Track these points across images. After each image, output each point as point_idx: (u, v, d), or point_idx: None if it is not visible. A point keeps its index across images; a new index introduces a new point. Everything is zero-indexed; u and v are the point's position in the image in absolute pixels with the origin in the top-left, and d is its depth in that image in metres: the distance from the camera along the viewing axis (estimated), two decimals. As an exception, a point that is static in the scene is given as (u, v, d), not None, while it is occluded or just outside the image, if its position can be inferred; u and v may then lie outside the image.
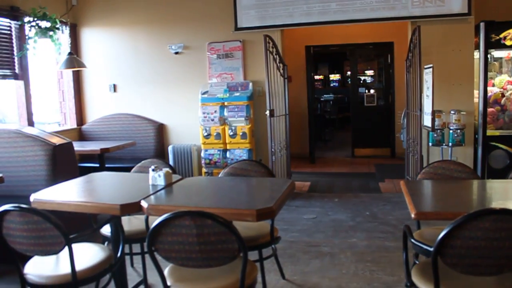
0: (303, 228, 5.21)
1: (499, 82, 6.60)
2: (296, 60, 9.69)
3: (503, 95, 6.51)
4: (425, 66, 5.59)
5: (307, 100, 9.72)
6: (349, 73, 12.18)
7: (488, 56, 6.17)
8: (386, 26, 9.32)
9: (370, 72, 12.98)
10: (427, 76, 5.43)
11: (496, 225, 2.14)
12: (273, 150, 6.19)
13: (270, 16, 6.82)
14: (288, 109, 6.90)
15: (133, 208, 2.71)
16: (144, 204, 2.65)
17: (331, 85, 17.51)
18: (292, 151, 9.75)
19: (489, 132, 6.29)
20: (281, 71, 6.69)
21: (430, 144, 6.02)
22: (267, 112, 6.09)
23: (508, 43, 6.13)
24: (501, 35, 6.12)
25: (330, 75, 17.56)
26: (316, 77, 17.22)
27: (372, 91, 10.45)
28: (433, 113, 5.19)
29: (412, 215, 2.41)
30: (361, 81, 13.18)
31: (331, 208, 5.93)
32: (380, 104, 10.09)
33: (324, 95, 15.54)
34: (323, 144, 11.64)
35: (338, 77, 17.33)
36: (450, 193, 2.95)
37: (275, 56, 6.40)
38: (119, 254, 2.96)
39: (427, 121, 5.50)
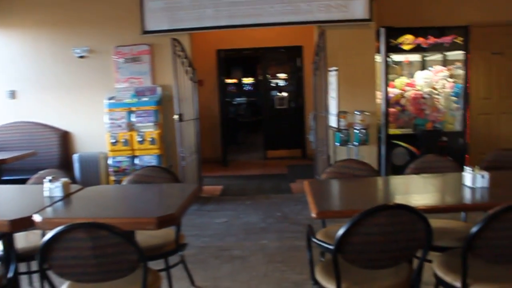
0: (214, 232, 5.15)
1: (399, 84, 6.97)
2: (208, 63, 9.66)
3: (403, 96, 6.88)
4: (330, 69, 5.77)
5: (218, 104, 9.69)
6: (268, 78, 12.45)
7: (388, 59, 6.49)
8: (295, 31, 9.55)
9: (282, 76, 13.22)
10: (332, 78, 5.61)
11: (391, 219, 2.21)
12: (183, 155, 6.08)
13: (178, 19, 6.70)
14: (199, 113, 6.83)
15: (25, 223, 2.51)
16: (37, 218, 2.47)
17: (245, 88, 17.61)
18: (204, 155, 9.70)
19: (391, 131, 6.62)
20: (190, 75, 6.60)
21: (337, 144, 6.22)
22: (176, 117, 5.97)
23: (405, 47, 6.49)
24: (399, 40, 6.47)
25: (243, 79, 17.66)
26: (230, 81, 17.25)
27: (283, 94, 10.64)
28: (339, 114, 5.37)
29: (313, 215, 2.44)
30: (275, 85, 13.40)
31: (243, 211, 5.93)
32: (291, 106, 10.31)
33: (237, 99, 15.61)
34: (236, 147, 11.67)
35: (252, 81, 17.48)
36: (351, 191, 3.04)
37: (183, 60, 6.31)
38: (10, 274, 2.72)
39: (333, 121, 5.68)
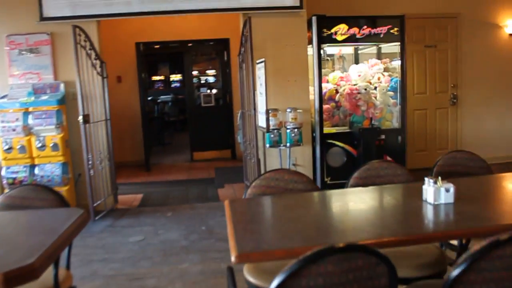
0: (127, 255, 4.33)
1: (333, 79, 6.45)
2: (126, 57, 8.73)
3: (337, 92, 6.37)
4: (257, 61, 5.11)
5: (140, 102, 8.78)
6: (194, 72, 11.47)
7: (321, 52, 5.95)
8: (222, 21, 8.85)
9: (211, 72, 12.50)
10: (260, 72, 4.95)
11: (341, 266, 1.56)
12: (90, 162, 5.21)
13: (83, 4, 5.76)
14: (110, 113, 5.94)
15: None
16: None
17: (172, 85, 16.69)
18: (125, 159, 8.81)
19: (326, 130, 6.08)
20: (98, 69, 5.70)
21: (268, 145, 5.57)
22: (80, 118, 5.08)
23: (339, 38, 5.96)
24: (333, 30, 5.93)
25: (171, 75, 16.71)
26: (157, 77, 16.28)
27: (209, 91, 9.91)
28: (268, 112, 4.72)
29: (233, 259, 1.74)
30: (204, 81, 12.62)
31: (163, 225, 5.16)
32: (219, 104, 9.59)
33: (162, 96, 14.68)
34: (161, 149, 10.80)
35: (180, 77, 16.54)
36: (285, 217, 2.36)
37: (88, 52, 5.41)
38: None
39: (261, 121, 5.02)
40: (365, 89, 6.16)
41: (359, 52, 7.09)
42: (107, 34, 8.62)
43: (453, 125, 7.66)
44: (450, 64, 7.52)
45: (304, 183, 2.86)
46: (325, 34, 5.90)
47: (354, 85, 6.31)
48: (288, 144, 5.68)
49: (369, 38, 6.07)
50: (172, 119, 13.57)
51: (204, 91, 10.04)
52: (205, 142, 9.33)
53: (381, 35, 6.06)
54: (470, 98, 7.65)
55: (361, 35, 6.00)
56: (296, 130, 5.62)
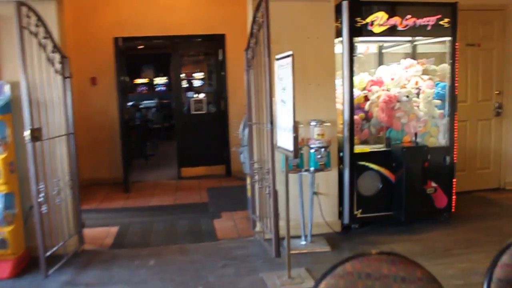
0: None
1: (360, 83, 5.09)
2: (103, 56, 7.28)
3: (367, 99, 5.01)
4: (278, 56, 3.70)
5: (118, 108, 7.30)
6: (182, 74, 9.88)
7: (355, 45, 4.58)
8: (216, 13, 7.49)
9: (199, 75, 11.04)
10: (282, 71, 3.55)
11: None
12: (43, 194, 3.73)
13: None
14: (74, 125, 4.44)
15: None
16: None
17: (158, 89, 15.23)
18: (98, 176, 7.34)
19: (357, 149, 4.70)
20: (58, 65, 4.23)
21: (284, 170, 4.15)
22: (27, 134, 3.60)
23: (376, 29, 4.60)
24: (368, 19, 4.57)
25: (156, 78, 15.24)
26: (140, 80, 14.83)
27: (200, 95, 8.47)
28: (296, 129, 3.31)
29: None
30: (193, 84, 11.17)
31: (142, 283, 3.71)
32: (211, 111, 8.16)
33: (145, 101, 13.20)
34: (144, 162, 9.30)
35: (166, 80, 15.04)
36: None
37: (42, 41, 3.94)
38: None
39: (284, 140, 3.60)
40: (407, 97, 4.80)
41: (384, 51, 5.76)
42: (78, 26, 7.19)
43: (497, 139, 6.35)
44: (495, 67, 6.21)
45: (419, 283, 1.46)
46: (358, 25, 4.53)
47: (388, 90, 4.96)
48: (312, 169, 4.28)
49: (414, 31, 4.73)
50: (156, 127, 12.08)
51: (194, 96, 8.58)
52: (195, 156, 7.88)
53: (428, 27, 4.71)
54: (517, 108, 6.35)
55: (403, 27, 4.65)
56: (323, 150, 4.22)
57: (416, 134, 4.76)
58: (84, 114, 7.21)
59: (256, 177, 4.49)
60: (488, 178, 6.36)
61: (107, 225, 5.25)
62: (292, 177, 4.27)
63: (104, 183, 7.29)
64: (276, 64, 3.74)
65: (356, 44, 4.64)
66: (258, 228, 4.71)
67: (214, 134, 7.92)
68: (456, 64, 4.84)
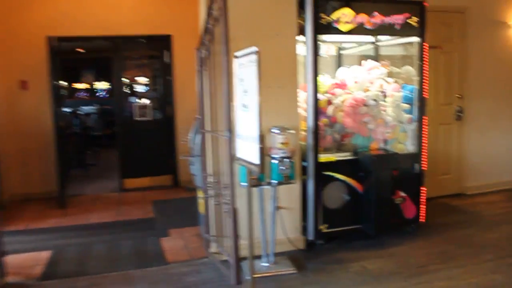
0: None
1: (322, 85, 4.68)
2: (35, 57, 6.52)
3: (329, 103, 4.60)
4: (238, 53, 3.19)
5: (52, 115, 6.50)
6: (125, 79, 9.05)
7: (319, 44, 4.16)
8: (162, 12, 6.94)
9: (144, 79, 10.33)
10: (244, 71, 3.05)
11: None
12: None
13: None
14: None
15: None
16: None
17: (98, 94, 14.35)
18: (29, 191, 6.56)
19: (322, 158, 4.27)
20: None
21: (244, 184, 3.66)
22: None
23: (342, 27, 4.19)
24: (334, 16, 4.16)
25: (96, 83, 14.35)
26: (79, 85, 13.93)
27: (146, 101, 7.83)
28: (263, 139, 2.82)
29: None
30: (137, 89, 10.46)
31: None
32: (156, 117, 7.54)
33: (85, 107, 12.34)
34: (83, 173, 8.51)
35: (107, 85, 14.17)
36: None
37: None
38: None
39: (246, 151, 3.09)
40: (375, 100, 4.43)
41: (343, 53, 5.42)
42: (5, 22, 6.41)
43: (458, 144, 6.14)
44: (456, 70, 6.01)
45: None
46: (323, 21, 4.11)
47: (353, 94, 4.59)
48: (274, 182, 3.80)
49: (382, 30, 4.36)
50: (97, 134, 11.26)
51: (138, 101, 7.93)
52: (139, 165, 7.24)
53: (397, 26, 4.37)
54: (477, 112, 6.17)
55: (371, 25, 4.27)
56: (287, 160, 3.75)
57: (385, 141, 4.39)
58: (12, 121, 6.43)
59: (211, 192, 3.96)
60: (449, 184, 6.15)
61: (37, 250, 4.55)
62: (251, 191, 3.77)
63: (37, 198, 6.52)
64: (236, 63, 3.24)
65: (320, 43, 4.22)
66: (213, 249, 4.17)
67: (160, 142, 7.30)
68: (425, 66, 4.52)
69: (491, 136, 6.32)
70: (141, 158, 7.20)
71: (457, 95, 6.03)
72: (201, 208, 4.38)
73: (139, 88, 9.48)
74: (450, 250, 4.29)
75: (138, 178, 7.25)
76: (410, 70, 4.90)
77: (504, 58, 6.31)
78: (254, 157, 2.89)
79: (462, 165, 6.19)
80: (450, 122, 6.05)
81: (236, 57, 3.24)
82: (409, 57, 4.94)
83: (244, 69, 3.04)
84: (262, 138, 2.84)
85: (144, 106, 7.49)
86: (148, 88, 9.03)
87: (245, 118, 3.08)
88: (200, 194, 4.40)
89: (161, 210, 5.97)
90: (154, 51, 7.90)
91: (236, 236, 3.26)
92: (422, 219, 4.73)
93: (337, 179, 4.32)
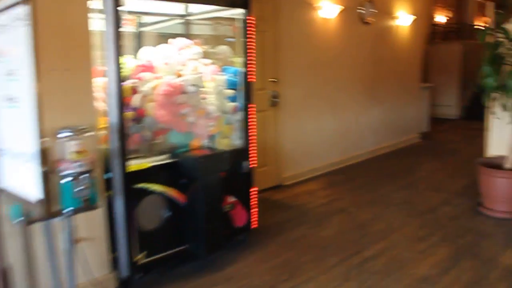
0: None
1: (124, 68, 3.57)
2: None
3: (135, 91, 3.54)
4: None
5: None
6: None
7: (121, 11, 3.02)
8: None
9: None
10: (6, 37, 1.79)
11: None
12: None
13: None
14: None
15: None
16: None
17: None
18: None
19: (132, 166, 3.19)
20: None
21: (16, 221, 2.37)
22: None
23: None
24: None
25: None
26: None
27: None
28: (46, 155, 1.62)
29: None
30: None
31: None
32: None
33: None
34: None
35: None
36: None
37: None
38: None
39: (14, 176, 1.85)
40: (195, 86, 3.51)
41: (143, 29, 4.41)
42: None
43: (274, 133, 5.67)
44: (270, 52, 5.47)
45: None
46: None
47: (162, 77, 3.61)
48: (69, 210, 2.60)
49: (199, -4, 3.44)
50: None
51: None
52: None
53: (216, -7, 3.51)
54: (292, 97, 5.79)
55: (185, -11, 3.32)
56: (86, 177, 2.58)
57: (208, 136, 3.52)
58: None
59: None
60: (268, 176, 5.64)
61: None
62: (29, 228, 2.51)
63: None
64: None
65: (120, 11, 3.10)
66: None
67: None
68: (251, 44, 3.76)
69: (304, 122, 6.03)
70: None
71: (271, 80, 5.51)
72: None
73: None
74: (293, 259, 3.69)
75: None
76: (227, 50, 4.14)
77: (311, 42, 6.04)
78: (28, 185, 1.69)
79: (279, 154, 5.76)
80: (265, 109, 5.50)
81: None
82: (224, 36, 4.19)
83: (5, 35, 1.79)
84: (45, 155, 1.67)
85: None
86: None
87: (12, 119, 1.84)
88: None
89: None
90: None
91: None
92: (254, 224, 4.04)
93: (154, 192, 3.30)
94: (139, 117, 3.55)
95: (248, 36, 3.71)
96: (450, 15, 17.88)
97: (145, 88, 3.50)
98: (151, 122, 3.51)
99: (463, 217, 4.53)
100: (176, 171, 3.39)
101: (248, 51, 3.74)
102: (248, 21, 3.69)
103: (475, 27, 16.43)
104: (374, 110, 7.35)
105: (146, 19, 4.27)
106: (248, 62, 3.75)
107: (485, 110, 5.20)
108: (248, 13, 3.67)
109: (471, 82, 12.58)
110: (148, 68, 3.66)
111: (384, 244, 3.89)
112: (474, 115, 11.99)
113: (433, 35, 13.21)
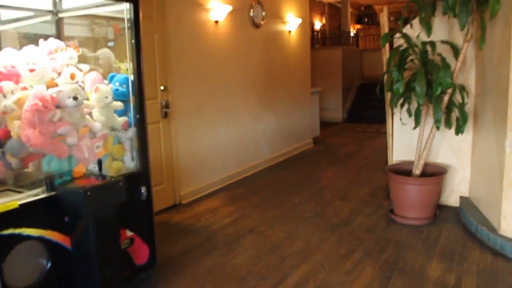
0: None
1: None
2: None
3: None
4: None
5: None
6: None
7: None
8: None
9: None
10: None
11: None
12: None
13: None
14: None
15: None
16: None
17: None
18: None
19: (-5, 207, 2.40)
20: None
21: None
22: None
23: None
24: None
25: None
26: None
27: None
28: None
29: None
30: None
31: None
32: None
33: None
34: None
35: None
36: None
37: None
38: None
39: None
40: (75, 99, 2.79)
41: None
42: None
43: (167, 146, 5.05)
44: (160, 57, 4.84)
45: None
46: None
47: (28, 88, 2.85)
48: None
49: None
50: None
51: None
52: None
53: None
54: (184, 106, 5.21)
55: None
56: None
57: (99, 161, 2.81)
58: None
59: None
60: (164, 195, 5.03)
61: None
62: None
63: None
64: None
65: None
66: None
67: None
68: (140, 46, 3.12)
69: (198, 133, 5.49)
70: None
71: (161, 88, 4.89)
72: None
73: None
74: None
75: None
76: (109, 54, 3.48)
77: (205, 46, 5.54)
78: None
79: (175, 170, 5.14)
80: (157, 121, 4.87)
81: None
82: (104, 38, 3.53)
83: None
84: None
85: None
86: None
87: None
88: None
89: None
90: None
91: None
92: (159, 259, 3.40)
93: (29, 238, 2.53)
94: (0, 140, 2.77)
95: (137, 36, 3.06)
96: (325, 22, 18.57)
97: (7, 102, 2.71)
98: (18, 146, 2.74)
99: (378, 227, 4.31)
100: (56, 208, 2.65)
101: (139, 55, 3.10)
102: (138, 17, 3.04)
103: (351, 34, 17.25)
104: (268, 117, 7.04)
105: (4, 14, 3.44)
106: (138, 68, 3.11)
107: (387, 115, 5.11)
108: (136, 8, 3.02)
109: (351, 85, 13.01)
110: (10, 75, 2.87)
111: (308, 268, 3.48)
112: (356, 118, 12.40)
113: (312, 40, 13.46)
